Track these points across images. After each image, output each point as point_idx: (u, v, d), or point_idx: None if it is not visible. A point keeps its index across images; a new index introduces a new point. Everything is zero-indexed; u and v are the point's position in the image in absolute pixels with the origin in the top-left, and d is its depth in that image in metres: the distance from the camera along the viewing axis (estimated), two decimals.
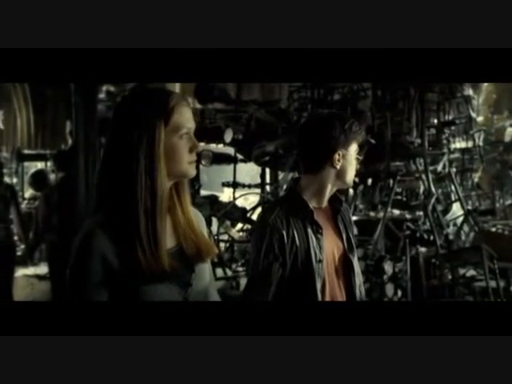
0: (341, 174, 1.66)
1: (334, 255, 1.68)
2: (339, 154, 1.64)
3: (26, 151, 10.51)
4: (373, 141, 3.77)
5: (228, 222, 4.93)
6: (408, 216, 3.90)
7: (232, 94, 4.75)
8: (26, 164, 9.22)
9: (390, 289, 3.88)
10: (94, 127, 3.92)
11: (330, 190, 1.68)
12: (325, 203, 1.71)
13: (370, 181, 4.11)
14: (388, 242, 3.98)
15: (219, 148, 4.98)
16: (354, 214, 3.96)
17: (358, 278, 1.74)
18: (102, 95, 5.58)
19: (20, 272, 5.93)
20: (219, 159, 5.26)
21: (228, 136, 4.30)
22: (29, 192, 8.50)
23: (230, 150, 4.96)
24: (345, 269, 1.70)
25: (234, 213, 4.72)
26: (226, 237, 5.12)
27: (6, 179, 9.29)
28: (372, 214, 3.91)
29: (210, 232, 4.56)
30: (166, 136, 1.16)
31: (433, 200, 3.77)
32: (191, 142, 1.21)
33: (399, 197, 4.11)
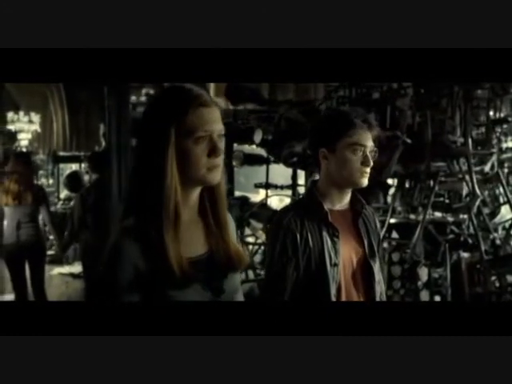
0: (331, 173, 1.61)
1: (352, 260, 1.62)
2: (323, 152, 1.61)
3: (62, 153, 10.78)
4: (408, 140, 3.63)
5: (256, 223, 4.85)
6: (451, 219, 3.73)
7: (265, 94, 4.68)
8: (61, 166, 9.45)
9: (425, 296, 3.74)
10: (126, 129, 3.93)
11: (337, 191, 1.62)
12: (343, 205, 1.65)
13: (409, 182, 3.95)
14: (428, 247, 3.81)
15: (252, 149, 4.93)
16: (392, 217, 3.81)
17: (380, 286, 1.67)
18: (142, 98, 5.64)
19: (55, 270, 6.10)
20: (251, 160, 5.21)
21: (257, 137, 4.26)
22: (64, 193, 8.69)
23: (263, 151, 4.91)
24: (364, 275, 1.63)
25: (261, 214, 4.65)
26: (253, 238, 5.06)
27: (43, 180, 9.57)
28: (412, 216, 3.76)
29: (240, 234, 4.51)
30: (178, 139, 1.08)
31: (477, 202, 3.59)
32: (211, 145, 1.11)
33: (441, 199, 3.94)
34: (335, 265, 1.56)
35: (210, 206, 1.19)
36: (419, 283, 3.69)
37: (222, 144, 1.13)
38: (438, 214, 3.85)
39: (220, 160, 1.13)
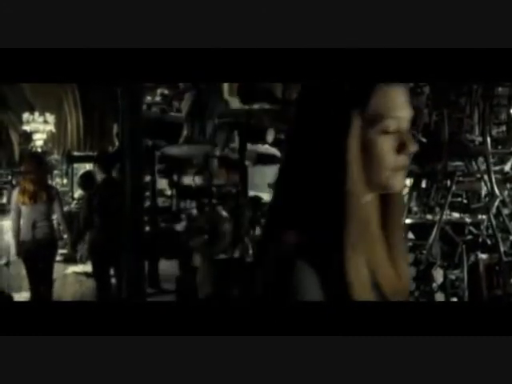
0: None
1: None
2: None
3: (76, 153, 10.88)
4: (424, 139, 3.56)
5: None
6: (469, 220, 3.65)
7: (278, 93, 4.65)
8: (75, 165, 9.54)
9: (439, 298, 3.68)
10: (139, 129, 3.94)
11: None
12: None
13: (425, 182, 3.89)
14: (445, 248, 3.74)
15: (265, 148, 4.90)
16: (407, 217, 3.75)
17: None
18: (157, 98, 5.66)
19: (69, 269, 6.16)
20: (264, 160, 5.18)
21: (270, 136, 4.23)
22: (78, 192, 8.77)
23: (276, 151, 4.89)
24: None
25: None
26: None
27: (57, 180, 9.67)
28: (428, 216, 3.69)
29: (252, 234, 4.49)
30: (362, 129, 0.82)
31: (496, 202, 3.51)
32: (401, 138, 0.84)
33: (459, 199, 3.86)
34: None
35: (381, 218, 0.91)
36: (434, 285, 3.63)
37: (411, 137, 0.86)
38: (456, 215, 3.78)
39: (408, 159, 0.86)
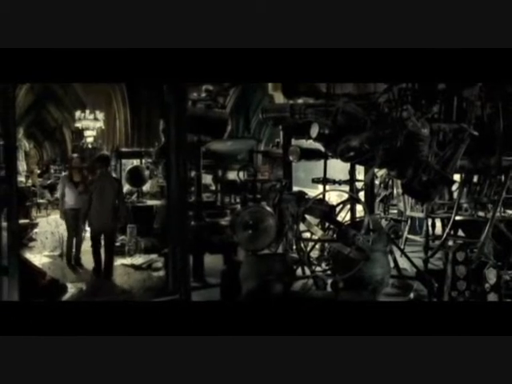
0: None
1: None
2: None
3: (124, 149, 11.20)
4: (475, 133, 3.40)
5: (311, 219, 4.76)
6: None
7: (322, 87, 4.58)
8: (123, 161, 9.82)
9: (493, 299, 3.51)
10: (184, 125, 3.99)
11: None
12: None
13: (477, 177, 3.72)
14: (498, 246, 3.58)
15: (310, 143, 4.85)
16: (457, 214, 3.62)
17: None
18: (202, 94, 5.72)
19: (118, 261, 6.38)
20: (308, 155, 5.13)
21: (314, 131, 4.15)
22: (126, 187, 9.04)
23: (320, 146, 4.81)
24: None
25: (315, 210, 4.55)
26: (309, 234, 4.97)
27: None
28: (480, 213, 3.54)
29: (296, 229, 4.45)
30: None
31: None
32: None
33: None
34: None
35: None
36: (487, 285, 3.47)
37: None
38: (510, 212, 3.61)
39: None
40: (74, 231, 6.23)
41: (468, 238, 3.65)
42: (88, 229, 5.89)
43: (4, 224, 3.07)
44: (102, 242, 5.67)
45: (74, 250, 6.31)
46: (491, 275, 3.45)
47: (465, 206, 3.72)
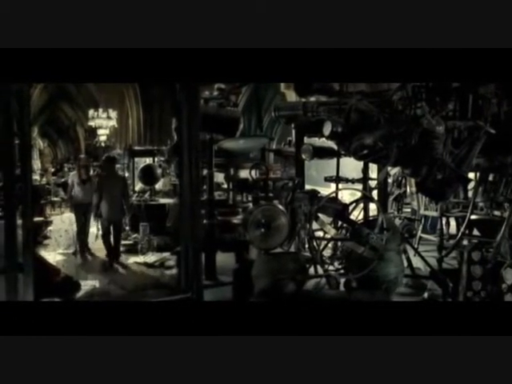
0: None
1: None
2: None
3: (137, 147, 11.25)
4: (492, 130, 3.34)
5: (324, 218, 4.73)
6: None
7: (336, 85, 4.55)
8: (136, 159, 9.86)
9: (509, 299, 3.45)
10: (196, 123, 3.99)
11: None
12: None
13: (493, 176, 3.66)
14: None
15: (323, 142, 4.82)
16: (472, 213, 3.56)
17: None
18: (214, 92, 5.72)
19: (131, 259, 6.45)
20: (321, 153, 5.10)
21: (327, 129, 4.11)
22: (138, 185, 9.08)
23: (333, 144, 4.77)
24: None
25: (328, 209, 4.52)
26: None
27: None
28: (496, 212, 3.48)
29: (308, 228, 4.44)
30: None
31: None
32: None
33: None
34: None
35: None
36: (503, 286, 3.42)
37: None
38: None
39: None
40: (83, 223, 6.94)
41: (483, 238, 3.58)
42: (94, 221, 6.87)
43: (19, 222, 3.11)
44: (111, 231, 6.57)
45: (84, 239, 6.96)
46: (509, 275, 3.40)
47: (480, 204, 3.65)
